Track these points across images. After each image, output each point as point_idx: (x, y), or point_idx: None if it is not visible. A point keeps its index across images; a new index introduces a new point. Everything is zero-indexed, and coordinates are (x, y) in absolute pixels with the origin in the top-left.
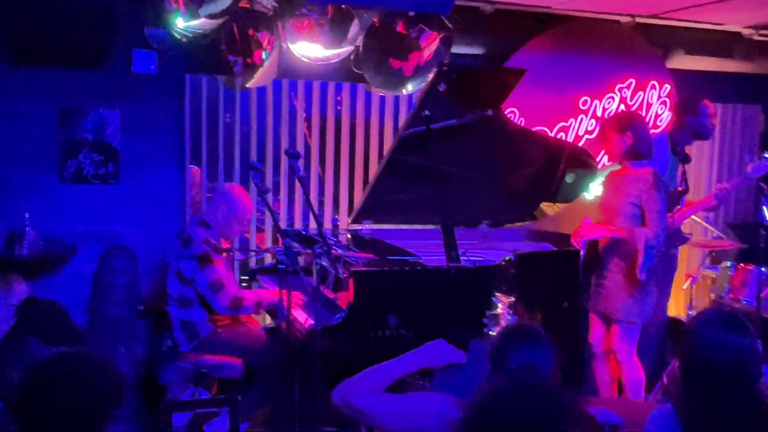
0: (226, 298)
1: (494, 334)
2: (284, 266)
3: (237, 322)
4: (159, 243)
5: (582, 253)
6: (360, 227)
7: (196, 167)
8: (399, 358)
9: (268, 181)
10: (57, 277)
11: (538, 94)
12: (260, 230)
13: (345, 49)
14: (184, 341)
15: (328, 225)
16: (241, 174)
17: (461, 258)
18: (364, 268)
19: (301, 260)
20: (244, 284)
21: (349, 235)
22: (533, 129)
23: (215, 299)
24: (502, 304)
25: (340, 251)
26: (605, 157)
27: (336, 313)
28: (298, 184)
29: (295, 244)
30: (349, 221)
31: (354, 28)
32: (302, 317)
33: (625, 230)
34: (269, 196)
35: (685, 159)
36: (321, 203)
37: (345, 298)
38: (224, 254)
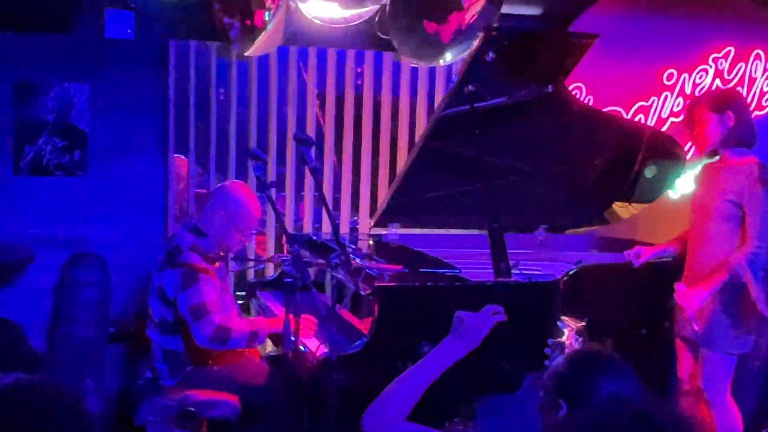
0: (209, 328)
1: (556, 365)
2: (291, 280)
3: (231, 352)
4: (135, 249)
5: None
6: (385, 232)
7: (182, 156)
8: (424, 359)
9: (271, 174)
10: (9, 291)
11: (610, 65)
12: (260, 234)
13: (368, 9)
14: (166, 374)
15: (345, 229)
16: (237, 165)
17: (512, 271)
18: (391, 284)
19: (311, 272)
20: (240, 301)
21: (371, 242)
22: (604, 110)
23: (195, 328)
24: (569, 330)
25: (360, 261)
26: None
27: (355, 339)
28: (308, 177)
29: (305, 253)
30: (372, 224)
31: None
32: (314, 344)
33: (722, 272)
34: (273, 192)
35: None
36: (337, 201)
37: (367, 321)
38: (217, 264)
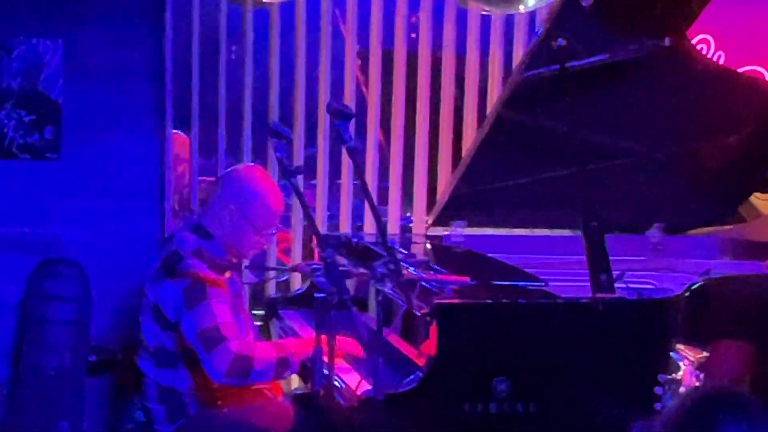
0: (225, 359)
1: (670, 409)
2: (324, 295)
3: (247, 389)
4: (123, 255)
5: None
6: (447, 232)
7: (183, 134)
8: None
9: (298, 156)
10: None
11: (748, 12)
12: (283, 234)
13: None
14: (162, 417)
15: (394, 228)
16: (254, 145)
17: (616, 285)
18: (455, 301)
19: (350, 285)
20: (257, 322)
21: (429, 245)
22: (740, 71)
23: (208, 361)
24: (686, 364)
25: (414, 272)
26: None
27: (408, 372)
28: (346, 161)
29: (342, 260)
30: (430, 222)
31: None
32: (353, 379)
33: None
34: (300, 180)
35: None
36: (384, 192)
37: (424, 349)
38: (228, 274)
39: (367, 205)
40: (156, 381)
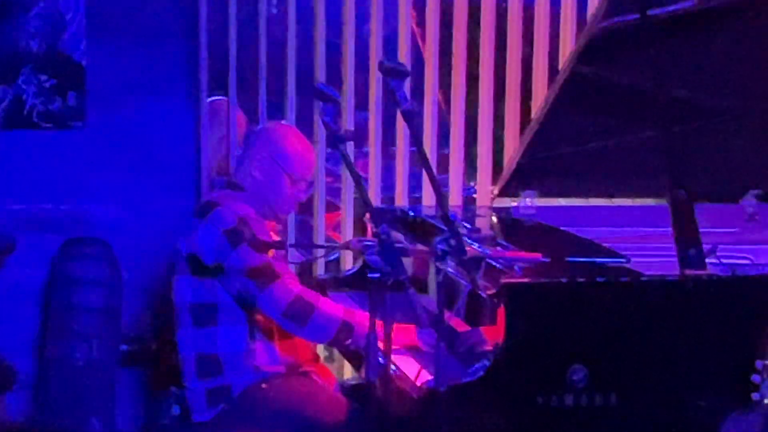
0: (285, 296)
1: None
2: (377, 275)
3: (297, 374)
4: (156, 233)
5: None
6: (516, 203)
7: (222, 97)
8: None
9: (348, 120)
10: None
11: None
12: (333, 208)
13: None
14: (201, 402)
15: (456, 200)
16: (299, 107)
17: (707, 260)
18: (526, 280)
19: (407, 265)
20: None
21: (495, 219)
22: None
23: (266, 295)
24: None
25: (479, 248)
26: None
27: (474, 361)
28: (401, 125)
29: (398, 236)
30: (496, 192)
31: None
32: (411, 368)
33: None
34: (349, 147)
35: None
36: (444, 160)
37: (490, 335)
38: (270, 252)
39: (425, 175)
40: (195, 350)
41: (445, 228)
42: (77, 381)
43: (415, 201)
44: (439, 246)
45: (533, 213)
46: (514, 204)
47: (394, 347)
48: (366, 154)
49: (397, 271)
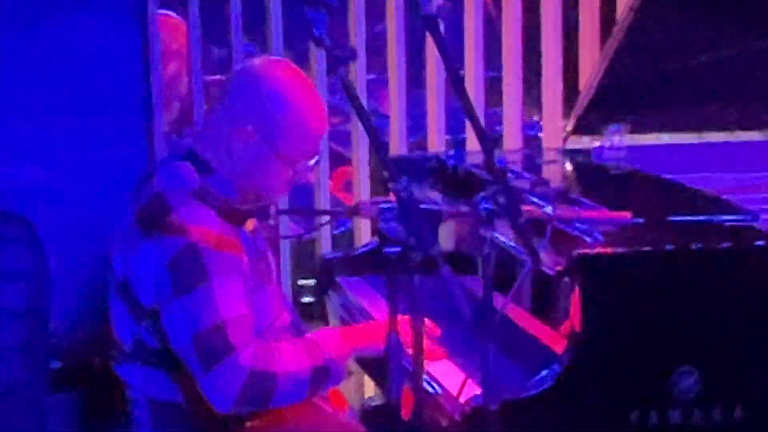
0: (234, 380)
1: None
2: (396, 250)
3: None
4: (96, 206)
5: None
6: (598, 143)
7: (174, 15)
8: None
9: (356, 33)
10: None
11: None
12: (342, 161)
13: None
14: None
15: (513, 141)
16: (287, 24)
17: None
18: (609, 251)
19: (446, 234)
20: (306, 298)
21: (569, 166)
22: None
23: (209, 383)
24: None
25: (545, 207)
26: None
27: (539, 365)
28: (429, 44)
29: (433, 194)
30: (569, 129)
31: None
32: (453, 379)
33: None
34: (354, 72)
35: None
36: (494, 86)
37: (563, 330)
38: (249, 224)
39: (464, 110)
40: (146, 394)
41: (495, 180)
42: None
43: (457, 145)
44: (483, 205)
45: (622, 155)
46: (596, 144)
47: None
48: (384, 84)
49: (424, 243)
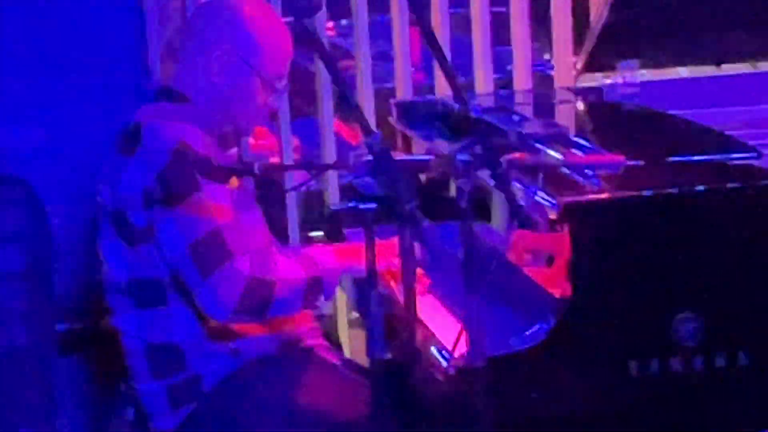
0: (234, 286)
1: None
2: (372, 206)
3: (294, 352)
4: (94, 164)
5: None
6: (609, 80)
7: None
8: None
9: None
10: None
11: None
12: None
13: None
14: (161, 403)
15: (523, 81)
16: None
17: None
18: (598, 196)
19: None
20: None
21: (582, 105)
22: None
23: (206, 289)
24: None
25: (540, 149)
26: None
27: (533, 318)
28: None
29: (441, 143)
30: (580, 66)
31: None
32: (444, 331)
33: None
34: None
35: None
36: (501, 21)
37: (554, 280)
38: (234, 182)
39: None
40: (143, 340)
41: (470, 130)
42: None
43: (461, 90)
44: (460, 157)
45: (635, 92)
46: (607, 81)
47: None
48: (388, 24)
49: (399, 199)
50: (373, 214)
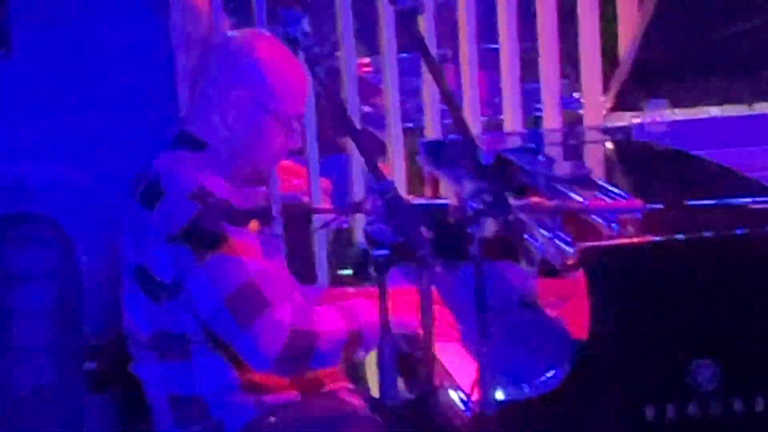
0: (276, 335)
1: None
2: (385, 253)
3: (318, 396)
4: (123, 201)
5: None
6: (638, 120)
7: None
8: None
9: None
10: None
11: None
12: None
13: None
14: None
15: (553, 119)
16: None
17: None
18: (613, 242)
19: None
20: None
21: (610, 145)
22: None
23: (248, 340)
24: None
25: (563, 192)
26: None
27: (549, 363)
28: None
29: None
30: (609, 105)
31: None
32: (465, 375)
33: None
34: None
35: None
36: (530, 57)
37: (571, 326)
38: (254, 225)
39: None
40: (167, 392)
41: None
42: (22, 414)
43: (492, 128)
44: (471, 204)
45: (664, 131)
46: (636, 121)
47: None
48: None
49: (412, 245)
50: (386, 260)
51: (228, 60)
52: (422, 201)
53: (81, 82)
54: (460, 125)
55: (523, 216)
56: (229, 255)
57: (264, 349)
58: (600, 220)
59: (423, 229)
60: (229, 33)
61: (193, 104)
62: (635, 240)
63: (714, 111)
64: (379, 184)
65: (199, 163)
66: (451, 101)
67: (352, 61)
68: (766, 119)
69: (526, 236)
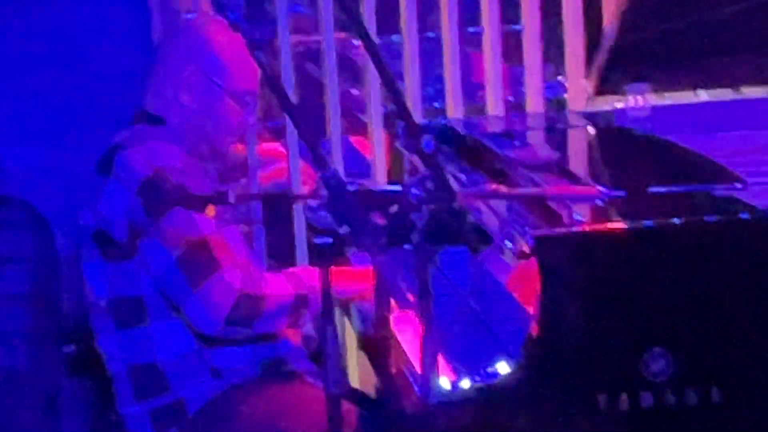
0: (225, 298)
1: None
2: (327, 241)
3: (280, 375)
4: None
5: None
6: (620, 104)
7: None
8: None
9: None
10: None
11: None
12: (359, 127)
13: None
14: (147, 430)
15: (536, 104)
16: None
17: None
18: (564, 230)
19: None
20: None
21: (592, 130)
22: None
23: (196, 301)
24: None
25: (531, 179)
26: None
27: (500, 352)
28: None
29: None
30: (590, 90)
31: None
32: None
33: None
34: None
35: None
36: (513, 42)
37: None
38: (211, 210)
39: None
40: (125, 362)
41: (424, 165)
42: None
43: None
44: (413, 191)
45: (646, 115)
46: (619, 106)
47: None
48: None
49: (356, 232)
50: (327, 248)
51: (180, 39)
52: (375, 188)
53: (58, 66)
54: (402, 110)
55: (480, 203)
56: (183, 214)
57: (212, 309)
58: (562, 209)
59: (375, 216)
60: (186, 17)
61: (150, 82)
62: (587, 228)
63: (701, 95)
64: (322, 172)
65: (156, 137)
66: (391, 86)
67: (331, 44)
68: (753, 104)
69: (478, 222)
